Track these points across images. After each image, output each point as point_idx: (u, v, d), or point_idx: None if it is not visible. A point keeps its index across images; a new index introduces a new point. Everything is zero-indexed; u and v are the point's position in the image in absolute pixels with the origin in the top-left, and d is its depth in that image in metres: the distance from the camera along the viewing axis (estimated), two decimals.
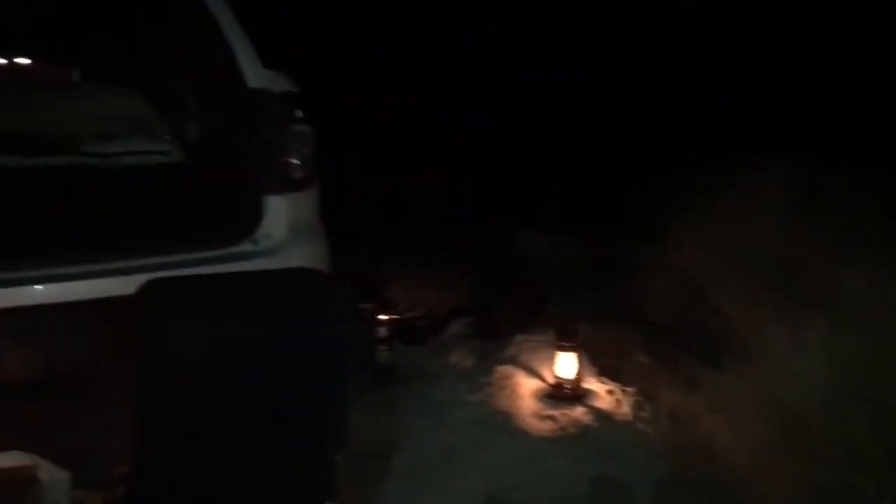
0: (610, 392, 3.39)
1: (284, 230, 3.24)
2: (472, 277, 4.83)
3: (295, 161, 3.27)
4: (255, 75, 3.21)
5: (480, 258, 5.06)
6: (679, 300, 4.19)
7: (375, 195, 6.87)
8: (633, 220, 4.97)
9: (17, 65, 4.83)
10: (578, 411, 3.21)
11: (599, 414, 3.22)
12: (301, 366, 2.27)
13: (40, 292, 2.78)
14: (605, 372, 3.55)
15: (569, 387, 3.33)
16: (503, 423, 3.15)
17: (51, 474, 2.41)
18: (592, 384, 3.44)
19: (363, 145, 7.48)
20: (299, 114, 3.24)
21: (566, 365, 3.35)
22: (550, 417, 3.17)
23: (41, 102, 3.96)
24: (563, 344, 3.36)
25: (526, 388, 3.39)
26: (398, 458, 3.04)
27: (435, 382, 3.60)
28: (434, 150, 7.59)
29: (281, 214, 3.24)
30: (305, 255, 3.23)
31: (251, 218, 3.21)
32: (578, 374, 3.36)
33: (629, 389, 3.41)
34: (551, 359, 3.43)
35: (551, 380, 3.39)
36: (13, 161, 3.27)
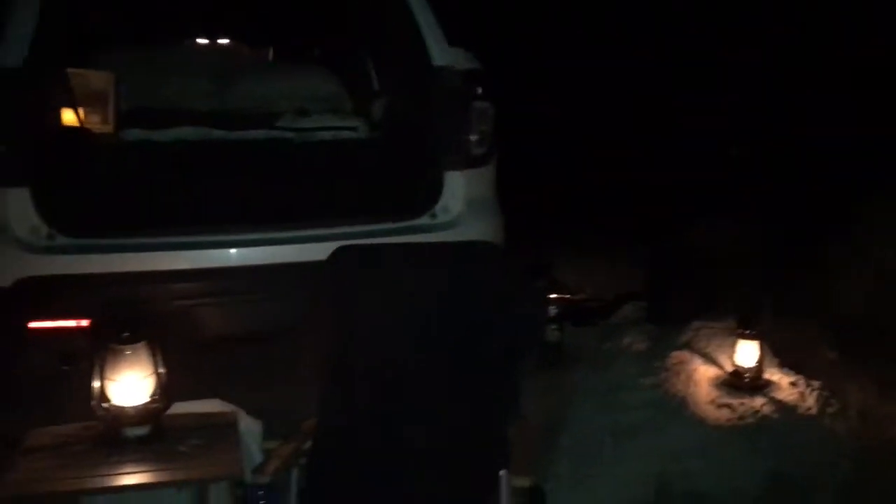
0: (793, 384, 3.21)
1: (462, 205, 3.31)
2: (645, 264, 4.72)
3: (475, 138, 3.33)
4: (440, 53, 3.29)
5: (655, 245, 4.94)
6: (872, 295, 3.91)
7: (551, 176, 6.85)
8: (821, 209, 4.68)
9: (219, 45, 5.20)
10: (758, 402, 3.07)
11: (781, 406, 3.06)
12: (478, 337, 2.32)
13: (238, 255, 3.01)
14: (787, 364, 3.36)
15: (748, 376, 3.19)
16: (677, 408, 3.06)
17: (246, 423, 2.60)
18: (774, 375, 3.27)
19: (539, 126, 7.45)
20: (481, 91, 3.29)
21: (747, 353, 3.21)
22: (728, 406, 3.05)
23: (241, 80, 4.25)
24: (745, 332, 3.22)
25: (702, 374, 3.27)
26: (567, 436, 3.04)
27: (605, 364, 3.55)
28: (610, 131, 7.45)
29: (459, 190, 3.32)
30: (482, 230, 3.28)
31: (431, 192, 3.30)
32: (759, 363, 3.21)
33: (814, 383, 3.21)
34: (730, 347, 3.30)
35: (730, 368, 3.26)
36: (217, 134, 3.53)
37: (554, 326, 3.98)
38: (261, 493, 2.54)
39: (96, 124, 3.61)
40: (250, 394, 2.80)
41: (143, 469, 2.09)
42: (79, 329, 2.83)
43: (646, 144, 7.31)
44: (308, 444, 2.27)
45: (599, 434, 3.01)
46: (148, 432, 2.21)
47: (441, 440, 2.19)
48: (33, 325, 2.87)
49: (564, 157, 7.33)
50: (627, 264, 4.78)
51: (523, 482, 2.28)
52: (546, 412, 3.16)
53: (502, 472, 2.13)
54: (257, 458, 2.58)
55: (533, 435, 2.80)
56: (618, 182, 6.73)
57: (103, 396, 2.19)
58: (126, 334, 2.20)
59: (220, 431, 2.32)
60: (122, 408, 2.19)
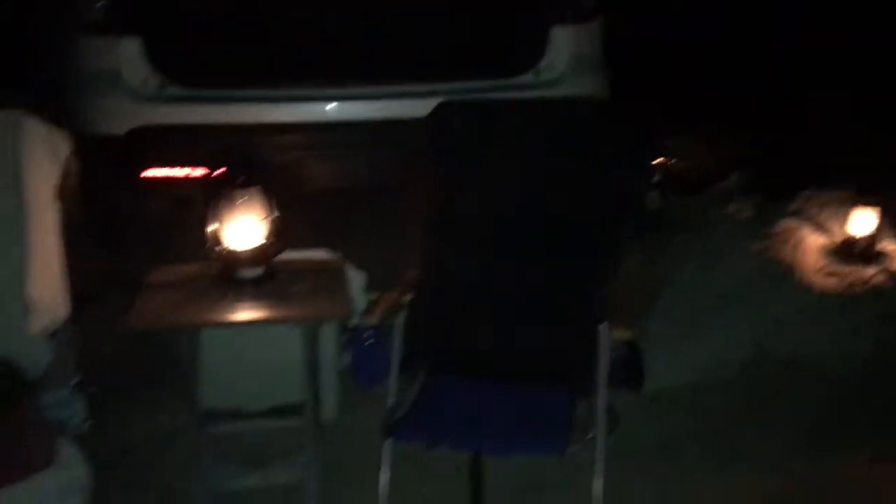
0: None
1: (568, 62, 3.21)
2: (755, 131, 4.52)
3: None
4: None
5: (766, 112, 4.71)
6: None
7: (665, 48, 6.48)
8: None
9: None
10: (870, 271, 2.97)
11: (893, 276, 2.96)
12: (581, 193, 2.29)
13: (345, 110, 3.02)
14: None
15: (861, 245, 3.08)
16: (783, 275, 3.00)
17: (350, 272, 2.67)
18: (890, 247, 3.15)
19: None
20: None
21: (863, 222, 3.08)
22: (836, 274, 2.97)
23: None
24: (863, 198, 3.08)
25: (811, 243, 3.18)
26: (668, 298, 3.03)
27: (709, 230, 3.48)
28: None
29: (566, 46, 3.21)
30: (587, 89, 3.19)
31: (536, 49, 3.21)
32: (876, 232, 3.08)
33: None
34: (842, 216, 3.18)
35: (841, 237, 3.15)
36: None
37: (657, 192, 3.89)
38: (367, 334, 2.66)
39: None
40: (354, 245, 2.88)
41: (258, 306, 2.20)
42: (191, 177, 2.94)
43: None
44: (409, 296, 2.33)
45: (700, 297, 2.99)
46: (261, 274, 2.30)
47: (542, 292, 2.21)
48: (147, 172, 2.99)
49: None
50: (736, 132, 4.58)
51: (622, 334, 2.29)
52: (647, 274, 3.14)
53: (602, 325, 2.15)
54: (360, 305, 2.67)
55: (633, 295, 2.79)
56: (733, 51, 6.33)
57: (218, 240, 2.28)
58: (240, 179, 2.26)
59: (328, 277, 2.39)
60: (236, 250, 2.28)
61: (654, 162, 4.02)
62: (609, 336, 2.13)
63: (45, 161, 2.24)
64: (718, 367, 2.83)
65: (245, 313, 2.17)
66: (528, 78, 3.19)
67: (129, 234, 3.15)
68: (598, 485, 1.94)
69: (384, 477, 2.07)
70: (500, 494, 2.23)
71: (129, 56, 2.91)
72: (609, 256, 2.25)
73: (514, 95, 3.11)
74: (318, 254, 2.61)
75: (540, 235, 2.29)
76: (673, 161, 4.14)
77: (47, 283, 2.15)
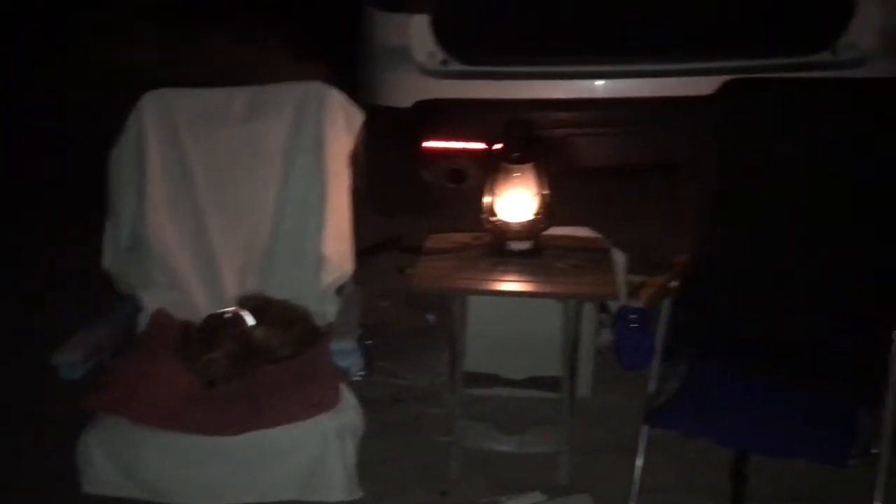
0: None
1: (874, 39, 2.92)
2: None
3: None
4: None
5: None
6: None
7: None
8: None
9: None
10: None
11: None
12: (884, 184, 2.07)
13: (625, 86, 2.98)
14: None
15: None
16: None
17: (613, 253, 2.64)
18: None
19: None
20: None
21: None
22: None
23: None
24: None
25: None
26: None
27: None
28: None
29: (872, 21, 2.92)
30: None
31: (836, 24, 2.95)
32: None
33: None
34: None
35: None
36: None
37: None
38: (634, 316, 2.62)
39: None
40: (619, 227, 2.84)
41: (525, 279, 2.25)
42: (466, 150, 3.06)
43: None
44: (676, 282, 2.26)
45: None
46: (530, 247, 2.35)
47: (831, 286, 2.04)
48: (428, 143, 3.16)
49: None
50: None
51: None
52: None
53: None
54: (622, 287, 2.64)
55: None
56: None
57: (492, 211, 2.36)
58: (516, 155, 2.31)
59: (594, 255, 2.39)
60: (508, 223, 2.35)
61: None
62: None
63: (342, 129, 2.43)
64: None
65: (512, 285, 2.24)
66: (824, 57, 2.94)
67: (408, 201, 3.36)
68: None
69: (639, 462, 2.05)
70: (760, 500, 2.13)
71: (418, 32, 3.07)
72: None
73: (809, 75, 2.89)
74: (585, 232, 2.61)
75: (830, 227, 2.10)
76: None
77: (338, 242, 2.35)
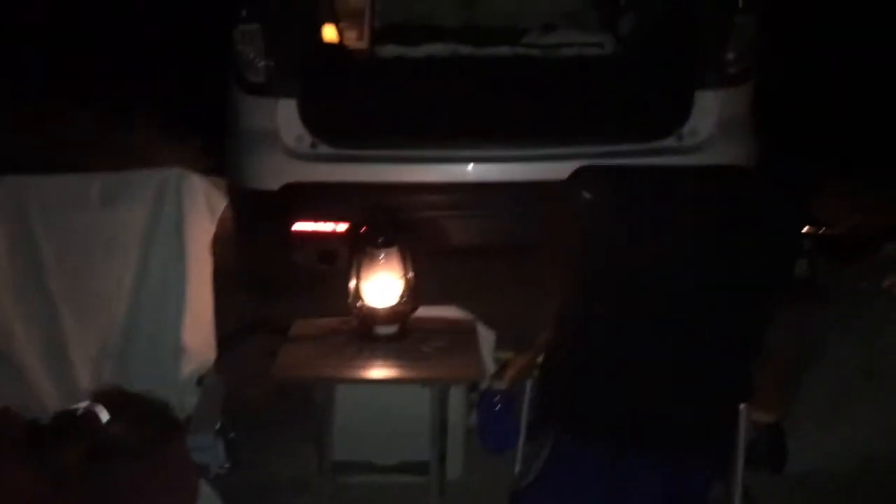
0: None
1: (713, 127, 3.15)
2: None
3: (732, 55, 3.13)
4: None
5: None
6: None
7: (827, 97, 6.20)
8: None
9: None
10: None
11: None
12: (724, 264, 2.22)
13: (483, 171, 3.09)
14: None
15: None
16: None
17: (481, 331, 2.69)
18: None
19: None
20: (743, 3, 3.07)
21: None
22: None
23: None
24: None
25: None
26: (816, 375, 2.86)
27: (862, 305, 3.28)
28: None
29: (711, 111, 3.16)
30: (733, 155, 3.12)
31: (679, 113, 3.17)
32: None
33: None
34: None
35: None
36: (465, 51, 3.59)
37: (806, 260, 3.71)
38: (497, 398, 2.66)
39: (353, 40, 3.81)
40: (485, 303, 2.90)
41: (391, 364, 2.26)
42: (336, 232, 3.07)
43: None
44: (542, 358, 2.33)
45: (852, 378, 2.81)
46: (395, 331, 2.36)
47: (681, 364, 2.14)
48: (296, 226, 3.15)
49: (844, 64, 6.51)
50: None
51: (765, 417, 2.19)
52: (795, 349, 2.99)
53: (742, 406, 2.06)
54: (490, 365, 2.68)
55: (780, 370, 2.66)
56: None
57: (358, 295, 2.37)
58: (381, 239, 2.34)
59: (460, 337, 2.43)
60: (374, 307, 2.36)
61: (804, 230, 3.85)
62: (750, 416, 2.05)
63: (204, 214, 2.40)
64: (870, 454, 2.64)
65: (379, 371, 2.24)
66: (670, 143, 3.15)
67: (276, 284, 3.32)
68: None
69: None
70: None
71: (286, 116, 3.10)
72: (755, 330, 2.17)
73: (657, 160, 3.08)
74: (452, 311, 2.65)
75: (681, 305, 2.23)
76: (823, 230, 3.94)
77: (198, 330, 2.30)
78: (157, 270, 2.34)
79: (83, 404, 2.14)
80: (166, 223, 2.35)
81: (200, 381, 2.29)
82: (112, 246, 2.35)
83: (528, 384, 2.28)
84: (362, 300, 2.36)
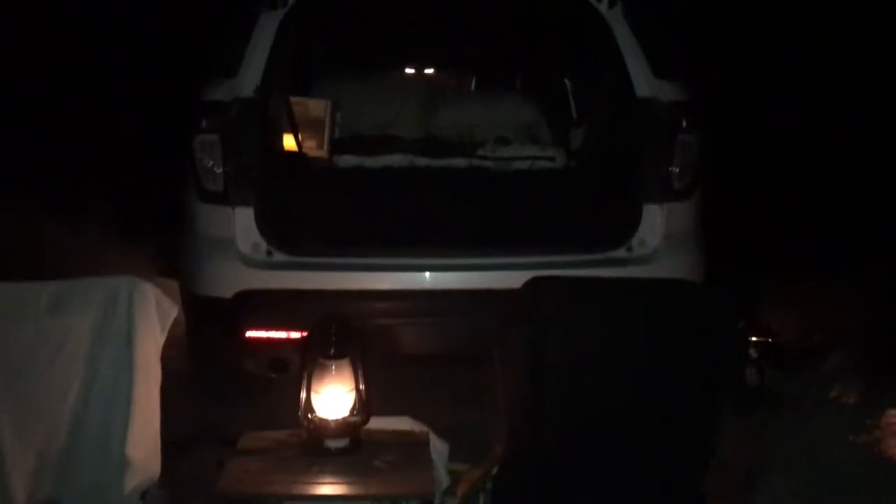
0: None
1: (660, 239, 3.24)
2: (864, 300, 4.36)
3: (677, 170, 3.25)
4: (645, 84, 3.25)
5: (876, 278, 4.56)
6: None
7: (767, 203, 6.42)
8: None
9: (426, 74, 5.42)
10: None
11: None
12: (672, 374, 2.25)
13: (437, 279, 3.12)
14: None
15: None
16: (890, 472, 2.81)
17: (434, 443, 2.66)
18: None
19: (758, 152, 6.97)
20: (686, 123, 3.22)
21: None
22: None
23: (445, 109, 4.42)
24: None
25: None
26: (768, 484, 2.87)
27: (810, 414, 3.33)
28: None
29: (658, 223, 3.25)
30: (680, 267, 3.20)
31: (628, 225, 3.26)
32: None
33: None
34: None
35: None
36: (421, 162, 3.68)
37: (754, 370, 3.77)
38: None
39: (312, 150, 3.88)
40: (439, 414, 2.88)
41: (341, 480, 2.20)
42: (289, 340, 3.05)
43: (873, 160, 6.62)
44: (495, 471, 2.30)
45: (802, 488, 2.82)
46: (346, 445, 2.32)
47: (632, 476, 2.15)
48: (248, 333, 3.12)
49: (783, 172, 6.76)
50: (845, 298, 4.42)
51: None
52: (744, 458, 3.00)
53: None
54: (443, 478, 2.64)
55: (730, 479, 2.67)
56: (839, 200, 6.18)
57: (309, 407, 2.34)
58: (332, 350, 2.33)
59: (412, 450, 2.39)
60: (325, 419, 2.32)
61: (752, 339, 3.93)
62: None
63: (154, 324, 2.37)
64: None
65: (329, 487, 2.19)
66: (620, 254, 3.23)
67: (227, 391, 3.26)
68: None
69: None
70: None
71: (242, 224, 3.11)
72: (703, 439, 2.20)
73: (608, 270, 3.14)
74: (404, 422, 2.62)
75: (632, 414, 2.25)
76: (770, 339, 4.02)
77: (144, 443, 2.24)
78: (104, 380, 2.29)
79: None
80: (116, 332, 2.31)
81: (144, 495, 2.22)
82: (59, 354, 2.29)
83: (481, 499, 2.25)
84: (313, 412, 2.33)
